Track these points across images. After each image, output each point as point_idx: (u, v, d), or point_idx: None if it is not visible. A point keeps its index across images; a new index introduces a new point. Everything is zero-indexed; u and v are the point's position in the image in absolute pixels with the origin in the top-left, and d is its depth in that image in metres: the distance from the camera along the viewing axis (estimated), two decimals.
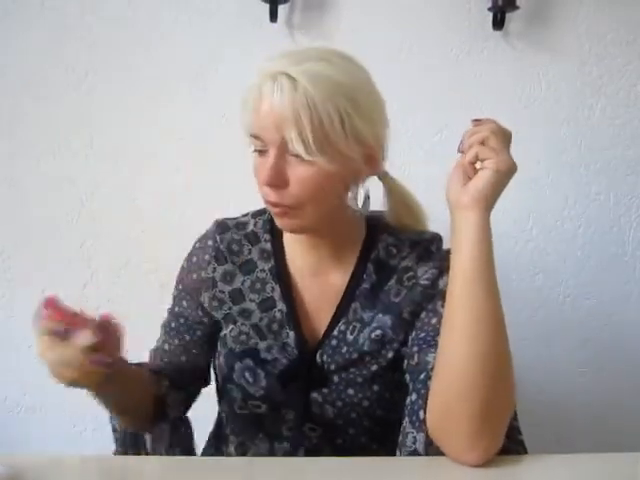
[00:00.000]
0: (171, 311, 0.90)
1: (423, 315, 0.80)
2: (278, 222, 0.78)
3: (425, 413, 0.70)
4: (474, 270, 0.67)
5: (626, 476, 0.68)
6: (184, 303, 0.89)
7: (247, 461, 0.78)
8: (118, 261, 1.36)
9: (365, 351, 0.81)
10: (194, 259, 0.88)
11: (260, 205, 0.89)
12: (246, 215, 0.90)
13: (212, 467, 0.69)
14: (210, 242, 0.87)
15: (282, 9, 1.27)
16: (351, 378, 0.81)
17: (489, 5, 1.27)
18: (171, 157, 1.33)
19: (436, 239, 0.86)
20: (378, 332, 0.81)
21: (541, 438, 1.05)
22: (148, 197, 1.35)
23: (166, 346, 0.89)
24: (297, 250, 0.85)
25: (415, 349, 0.77)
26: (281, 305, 0.83)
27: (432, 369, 0.72)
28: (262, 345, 0.83)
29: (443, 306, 0.75)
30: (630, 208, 1.40)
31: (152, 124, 1.32)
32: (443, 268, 0.81)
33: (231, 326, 0.85)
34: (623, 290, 1.43)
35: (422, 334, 0.78)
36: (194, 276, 0.87)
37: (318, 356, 0.81)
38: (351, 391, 0.81)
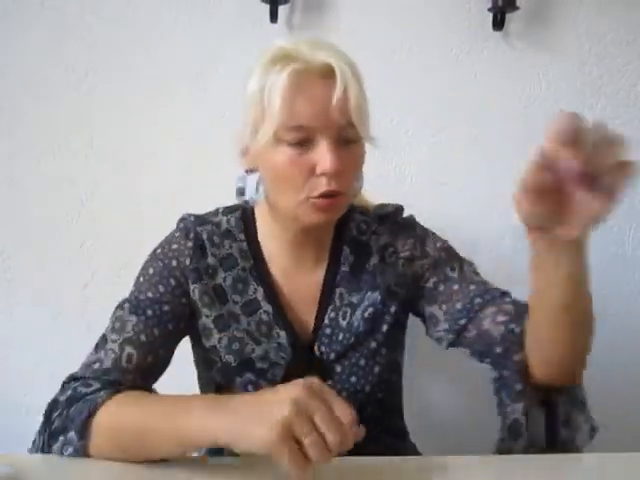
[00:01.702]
0: (144, 298, 0.79)
1: (442, 288, 0.81)
2: (323, 216, 0.74)
3: (521, 385, 0.72)
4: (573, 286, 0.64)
5: (626, 476, 0.68)
6: (160, 288, 0.80)
7: (246, 461, 0.78)
8: (118, 261, 1.36)
9: (360, 332, 0.81)
10: (174, 246, 0.83)
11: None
12: (216, 213, 0.88)
13: (209, 467, 0.69)
14: (192, 234, 0.84)
15: (282, 9, 1.27)
16: (353, 363, 0.82)
17: (489, 5, 1.27)
18: (171, 157, 1.33)
19: (399, 209, 0.90)
20: (370, 310, 0.82)
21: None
22: (148, 197, 1.35)
23: (143, 337, 0.75)
24: (275, 248, 0.84)
25: (463, 321, 0.79)
26: (266, 306, 0.82)
27: (502, 340, 0.75)
28: (257, 353, 0.81)
29: (453, 269, 0.80)
30: (630, 208, 1.40)
31: (152, 124, 1.32)
32: (424, 236, 0.86)
33: (222, 334, 0.82)
34: (623, 290, 1.43)
35: (458, 305, 0.79)
36: (174, 263, 0.82)
37: (316, 348, 0.81)
38: (353, 379, 0.82)
